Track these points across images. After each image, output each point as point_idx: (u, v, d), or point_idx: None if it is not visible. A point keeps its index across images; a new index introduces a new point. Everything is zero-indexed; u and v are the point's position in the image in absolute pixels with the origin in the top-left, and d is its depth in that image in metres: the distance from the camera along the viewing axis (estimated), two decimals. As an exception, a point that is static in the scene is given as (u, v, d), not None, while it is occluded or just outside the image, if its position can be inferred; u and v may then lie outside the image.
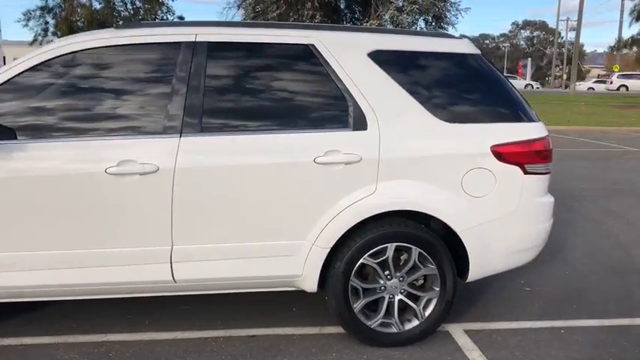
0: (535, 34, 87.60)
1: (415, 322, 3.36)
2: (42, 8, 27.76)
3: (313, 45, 3.24)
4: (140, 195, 3.02)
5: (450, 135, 3.27)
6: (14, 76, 3.04)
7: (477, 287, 4.24)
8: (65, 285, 3.08)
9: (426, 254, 3.27)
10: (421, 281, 3.42)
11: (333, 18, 23.06)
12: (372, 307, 3.36)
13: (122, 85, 3.12)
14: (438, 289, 3.34)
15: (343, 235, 3.20)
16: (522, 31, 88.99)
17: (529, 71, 64.82)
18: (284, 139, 3.14)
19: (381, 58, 3.28)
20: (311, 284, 3.25)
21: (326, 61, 3.22)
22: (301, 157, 3.12)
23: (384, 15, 20.89)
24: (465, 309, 3.90)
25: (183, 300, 3.78)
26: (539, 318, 3.82)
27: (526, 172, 3.33)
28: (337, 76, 3.21)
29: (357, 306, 3.29)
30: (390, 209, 3.21)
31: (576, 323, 3.75)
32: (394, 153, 3.19)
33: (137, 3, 29.80)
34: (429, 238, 3.25)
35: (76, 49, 3.11)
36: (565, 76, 63.35)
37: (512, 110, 3.39)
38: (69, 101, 3.08)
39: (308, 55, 3.23)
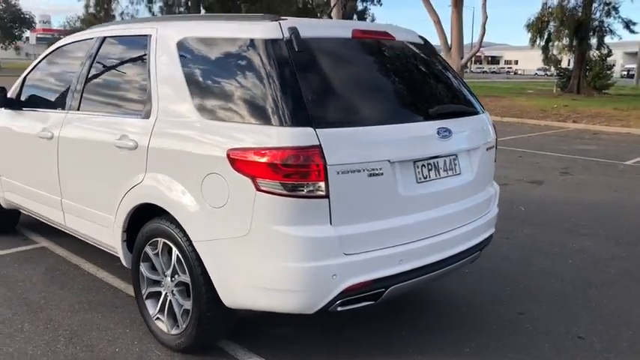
0: None
1: (178, 330, 3.12)
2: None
3: (150, 35, 3.38)
4: (48, 154, 3.95)
5: (201, 132, 2.88)
6: None
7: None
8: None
9: (182, 259, 3.01)
10: (198, 289, 3.11)
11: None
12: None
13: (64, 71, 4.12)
14: (190, 301, 3.00)
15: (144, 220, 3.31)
16: None
17: None
18: (102, 121, 3.49)
19: (183, 46, 3.14)
20: (123, 259, 3.48)
21: (149, 50, 3.32)
22: (107, 138, 3.40)
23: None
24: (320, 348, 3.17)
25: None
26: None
27: (258, 189, 2.59)
28: (149, 64, 3.28)
29: (145, 292, 3.32)
30: (143, 202, 3.13)
31: None
32: (157, 144, 3.07)
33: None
34: (180, 242, 2.97)
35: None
36: None
37: (275, 110, 2.64)
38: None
39: (145, 45, 3.40)
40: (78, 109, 3.78)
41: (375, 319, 3.58)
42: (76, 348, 3.21)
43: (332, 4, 25.18)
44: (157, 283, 3.26)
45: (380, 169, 2.72)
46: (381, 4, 69.37)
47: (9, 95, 4.46)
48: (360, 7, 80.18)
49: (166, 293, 3.19)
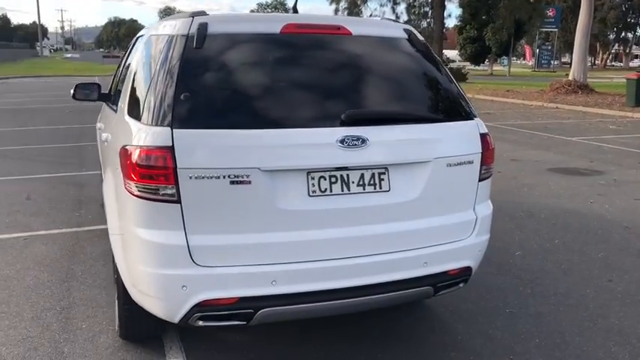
0: None
1: (122, 318, 3.25)
2: None
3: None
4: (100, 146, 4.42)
5: (121, 128, 2.95)
6: None
7: None
8: None
9: (116, 249, 3.14)
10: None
11: None
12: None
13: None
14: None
15: None
16: None
17: None
18: (123, 119, 3.77)
19: (148, 44, 3.25)
20: (113, 245, 3.74)
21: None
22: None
23: None
24: None
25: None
26: None
27: (125, 188, 2.57)
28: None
29: (116, 277, 3.51)
30: (105, 193, 3.31)
31: None
32: (110, 139, 3.24)
33: None
34: (116, 233, 3.10)
35: None
36: None
37: (147, 108, 2.62)
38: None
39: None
40: (114, 104, 4.16)
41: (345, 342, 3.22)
42: (57, 318, 3.56)
43: None
44: (120, 270, 3.44)
45: (246, 176, 2.44)
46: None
47: (105, 91, 5.09)
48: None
49: (122, 281, 3.35)
